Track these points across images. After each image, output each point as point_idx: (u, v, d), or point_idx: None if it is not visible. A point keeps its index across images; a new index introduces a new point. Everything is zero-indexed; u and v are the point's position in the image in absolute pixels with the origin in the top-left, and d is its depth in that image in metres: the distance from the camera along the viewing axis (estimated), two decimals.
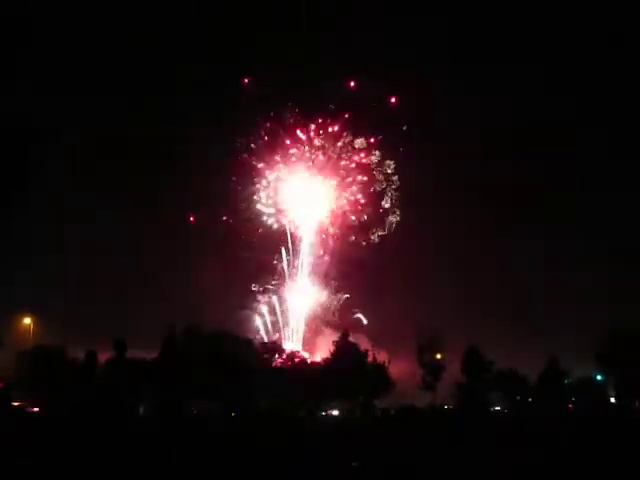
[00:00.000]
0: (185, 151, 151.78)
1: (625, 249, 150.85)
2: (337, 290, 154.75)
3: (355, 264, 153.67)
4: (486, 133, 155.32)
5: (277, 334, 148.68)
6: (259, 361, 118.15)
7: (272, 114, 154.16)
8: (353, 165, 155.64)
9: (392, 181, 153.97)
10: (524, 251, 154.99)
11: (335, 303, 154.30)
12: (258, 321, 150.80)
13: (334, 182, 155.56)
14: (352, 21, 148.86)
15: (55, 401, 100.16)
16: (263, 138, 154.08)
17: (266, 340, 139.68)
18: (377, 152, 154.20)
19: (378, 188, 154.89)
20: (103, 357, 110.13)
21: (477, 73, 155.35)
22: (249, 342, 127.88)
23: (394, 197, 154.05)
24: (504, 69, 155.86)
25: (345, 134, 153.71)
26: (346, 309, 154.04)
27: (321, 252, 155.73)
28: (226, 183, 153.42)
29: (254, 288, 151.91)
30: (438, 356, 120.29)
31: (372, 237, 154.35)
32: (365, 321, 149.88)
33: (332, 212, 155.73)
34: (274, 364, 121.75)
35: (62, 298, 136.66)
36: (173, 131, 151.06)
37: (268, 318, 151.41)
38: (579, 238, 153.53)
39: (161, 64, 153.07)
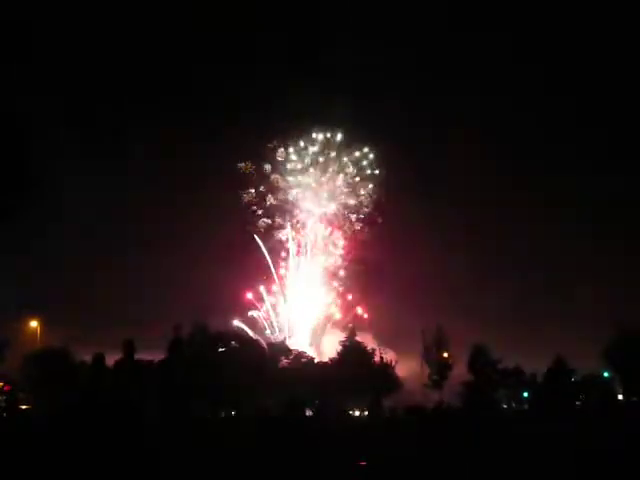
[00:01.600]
0: (187, 152, 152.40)
1: (631, 246, 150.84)
2: (344, 290, 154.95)
3: (362, 264, 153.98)
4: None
5: (283, 334, 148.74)
6: (266, 361, 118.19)
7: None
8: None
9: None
10: (531, 248, 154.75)
11: (340, 303, 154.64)
12: (264, 321, 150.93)
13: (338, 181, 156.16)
14: None
15: (62, 403, 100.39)
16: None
17: (273, 340, 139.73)
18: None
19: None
20: (109, 358, 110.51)
21: None
22: (256, 342, 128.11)
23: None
24: None
25: None
26: (352, 308, 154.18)
27: (328, 251, 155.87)
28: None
29: (261, 289, 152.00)
30: (445, 355, 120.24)
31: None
32: (365, 315, 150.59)
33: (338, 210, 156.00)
34: (281, 364, 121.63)
35: (68, 301, 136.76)
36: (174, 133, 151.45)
37: (275, 318, 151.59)
38: (585, 235, 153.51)
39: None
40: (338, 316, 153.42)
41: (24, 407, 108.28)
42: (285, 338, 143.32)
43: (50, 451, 62.88)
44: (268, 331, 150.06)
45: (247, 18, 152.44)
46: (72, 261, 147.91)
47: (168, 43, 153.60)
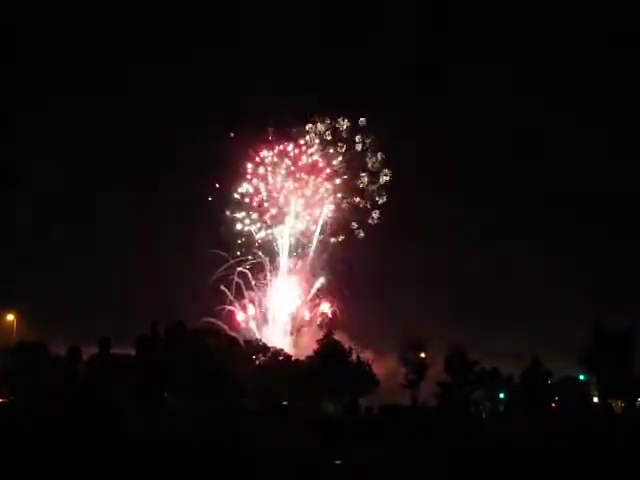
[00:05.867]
0: (173, 147, 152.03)
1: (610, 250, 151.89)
2: (322, 288, 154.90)
3: (340, 262, 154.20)
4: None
5: (261, 331, 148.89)
6: (243, 359, 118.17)
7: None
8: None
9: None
10: (510, 251, 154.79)
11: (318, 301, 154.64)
12: (242, 318, 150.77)
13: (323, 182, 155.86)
14: None
15: (38, 397, 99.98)
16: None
17: (250, 337, 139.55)
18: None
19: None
20: (86, 354, 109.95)
21: None
22: (233, 339, 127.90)
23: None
24: None
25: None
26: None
27: (307, 250, 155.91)
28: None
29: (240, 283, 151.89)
30: (422, 355, 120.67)
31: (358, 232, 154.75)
32: (332, 313, 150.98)
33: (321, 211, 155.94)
34: (258, 362, 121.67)
35: (45, 295, 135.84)
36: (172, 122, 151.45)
37: (252, 315, 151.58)
38: (563, 238, 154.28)
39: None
40: (309, 314, 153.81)
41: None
42: (263, 335, 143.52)
43: (26, 444, 62.68)
44: (244, 324, 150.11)
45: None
46: (51, 255, 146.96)
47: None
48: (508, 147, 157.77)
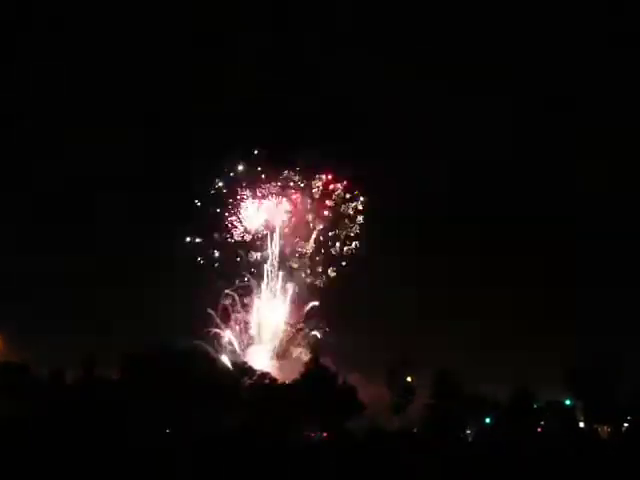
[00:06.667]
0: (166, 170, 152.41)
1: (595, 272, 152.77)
2: (309, 311, 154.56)
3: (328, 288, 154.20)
4: None
5: (247, 354, 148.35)
6: (229, 381, 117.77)
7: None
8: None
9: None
10: (496, 274, 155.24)
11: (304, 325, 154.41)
12: (228, 340, 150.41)
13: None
14: None
15: (20, 417, 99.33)
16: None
17: (236, 360, 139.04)
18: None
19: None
20: (69, 375, 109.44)
21: None
22: (218, 362, 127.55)
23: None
24: None
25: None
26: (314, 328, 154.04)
27: (295, 275, 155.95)
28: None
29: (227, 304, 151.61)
30: (408, 379, 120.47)
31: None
32: (319, 335, 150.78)
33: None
34: (244, 385, 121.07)
35: (28, 315, 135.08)
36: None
37: (236, 338, 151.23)
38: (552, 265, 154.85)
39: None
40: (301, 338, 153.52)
41: None
42: (249, 358, 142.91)
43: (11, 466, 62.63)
44: (230, 347, 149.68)
45: None
46: (38, 275, 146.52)
47: None
48: (507, 149, 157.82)
